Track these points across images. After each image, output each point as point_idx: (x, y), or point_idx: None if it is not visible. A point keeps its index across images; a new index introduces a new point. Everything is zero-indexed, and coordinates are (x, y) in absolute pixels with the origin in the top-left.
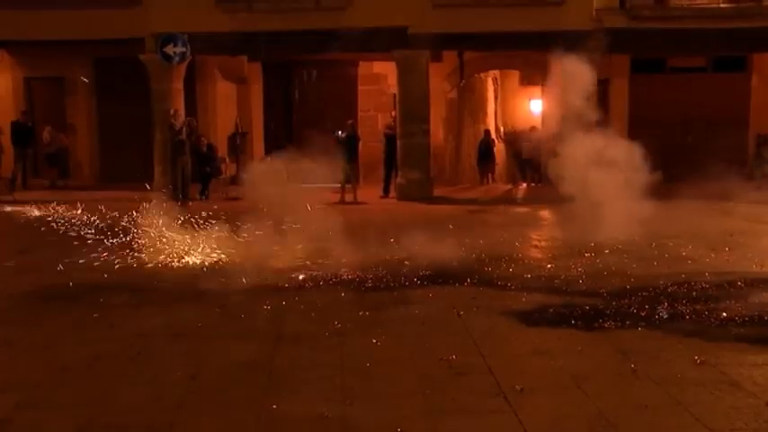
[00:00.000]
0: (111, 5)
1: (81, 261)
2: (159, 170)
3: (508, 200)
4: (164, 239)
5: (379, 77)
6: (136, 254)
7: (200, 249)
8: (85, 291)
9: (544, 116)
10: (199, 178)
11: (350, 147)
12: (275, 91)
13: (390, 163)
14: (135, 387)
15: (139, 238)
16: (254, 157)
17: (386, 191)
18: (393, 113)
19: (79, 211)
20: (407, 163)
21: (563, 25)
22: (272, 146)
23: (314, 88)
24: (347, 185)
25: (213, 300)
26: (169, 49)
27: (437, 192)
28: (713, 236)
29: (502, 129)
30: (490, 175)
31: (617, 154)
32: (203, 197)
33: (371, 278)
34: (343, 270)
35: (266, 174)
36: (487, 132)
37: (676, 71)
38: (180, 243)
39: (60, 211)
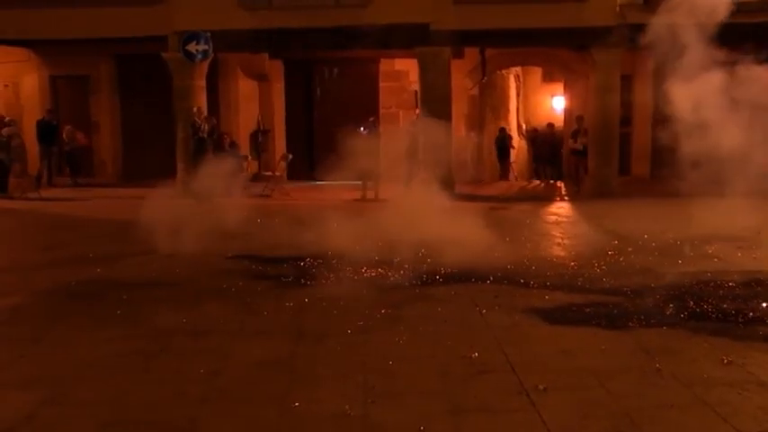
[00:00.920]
0: (134, 4)
1: (105, 258)
2: (182, 167)
3: (529, 197)
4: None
5: (401, 74)
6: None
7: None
8: (109, 287)
9: (566, 113)
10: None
11: (371, 143)
12: (297, 88)
13: (413, 160)
14: (157, 384)
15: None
16: (275, 155)
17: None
18: (417, 111)
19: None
20: (429, 160)
21: (586, 21)
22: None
23: (335, 85)
24: (369, 183)
25: (236, 296)
26: (192, 47)
27: (458, 189)
28: (740, 233)
29: (524, 126)
30: (511, 172)
31: None
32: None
33: (393, 275)
34: (363, 267)
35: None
36: (502, 130)
37: None
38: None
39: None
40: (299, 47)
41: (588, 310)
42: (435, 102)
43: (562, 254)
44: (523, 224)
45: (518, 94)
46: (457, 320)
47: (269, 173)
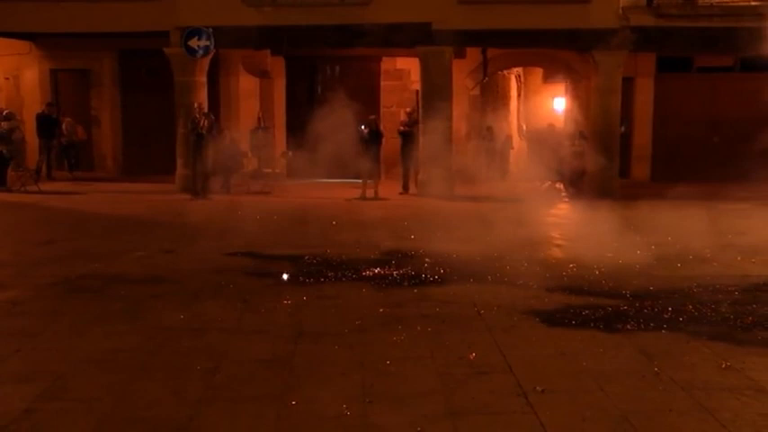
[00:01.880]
0: None
1: (104, 253)
2: (181, 163)
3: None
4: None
5: (402, 73)
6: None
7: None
8: (109, 282)
9: (567, 114)
10: (220, 172)
11: (372, 142)
12: (298, 86)
13: (408, 159)
14: (155, 380)
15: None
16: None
17: (405, 187)
18: (408, 110)
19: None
20: (429, 159)
21: (589, 23)
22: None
23: (337, 83)
24: (369, 181)
25: (234, 294)
26: (193, 43)
27: (459, 189)
28: (737, 238)
29: (524, 126)
30: (507, 172)
31: None
32: (225, 191)
33: (392, 275)
34: (363, 266)
35: None
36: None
37: (703, 71)
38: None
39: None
40: (301, 44)
41: (587, 312)
42: (436, 101)
43: (560, 255)
44: (521, 225)
45: (519, 95)
46: (455, 321)
47: (269, 170)
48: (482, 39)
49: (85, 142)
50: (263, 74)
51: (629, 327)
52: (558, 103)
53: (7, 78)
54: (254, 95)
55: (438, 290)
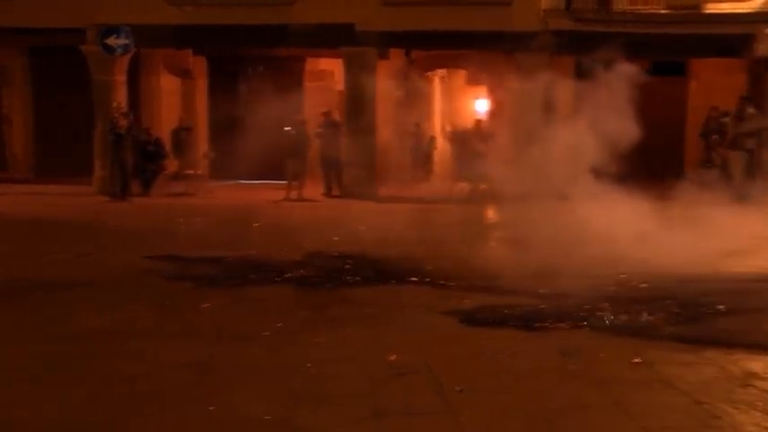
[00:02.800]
0: None
1: (19, 257)
2: (99, 164)
3: (455, 199)
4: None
5: (326, 74)
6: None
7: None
8: (25, 288)
9: (489, 115)
10: (140, 173)
11: (297, 143)
12: (221, 86)
13: (328, 161)
14: (74, 386)
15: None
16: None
17: (327, 189)
18: (324, 111)
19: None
20: (353, 161)
21: (511, 26)
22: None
23: (260, 83)
24: (293, 183)
25: (154, 298)
26: (111, 41)
27: (382, 190)
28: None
29: (448, 128)
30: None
31: None
32: (145, 193)
33: (313, 276)
34: (285, 268)
35: None
36: (417, 126)
37: None
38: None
39: None
40: (224, 44)
41: (507, 311)
42: (360, 102)
43: (484, 255)
44: (444, 225)
45: (443, 96)
46: (377, 322)
47: (190, 171)
48: (406, 40)
49: None
50: (184, 73)
51: (548, 325)
52: (480, 105)
53: None
54: (176, 95)
55: (360, 291)
